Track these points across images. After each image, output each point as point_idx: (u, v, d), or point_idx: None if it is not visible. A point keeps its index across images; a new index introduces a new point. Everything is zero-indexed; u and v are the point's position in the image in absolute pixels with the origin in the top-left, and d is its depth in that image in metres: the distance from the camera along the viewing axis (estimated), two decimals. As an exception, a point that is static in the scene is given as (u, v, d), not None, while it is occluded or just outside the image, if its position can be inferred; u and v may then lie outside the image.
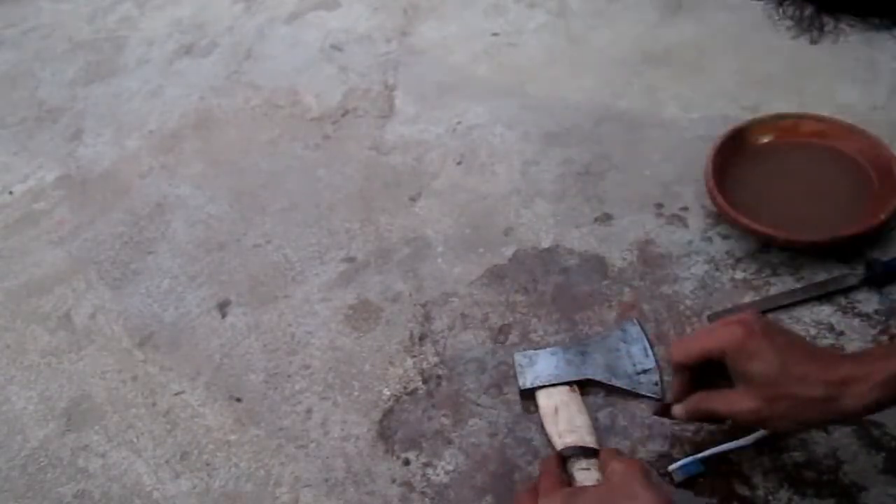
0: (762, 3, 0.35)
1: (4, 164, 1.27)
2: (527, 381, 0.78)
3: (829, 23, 0.34)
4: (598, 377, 0.77)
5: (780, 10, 0.36)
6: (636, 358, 0.78)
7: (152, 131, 1.27)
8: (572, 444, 0.70)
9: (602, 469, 0.65)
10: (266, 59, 1.39)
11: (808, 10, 0.35)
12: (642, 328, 0.81)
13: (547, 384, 0.77)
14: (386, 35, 1.38)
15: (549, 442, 0.74)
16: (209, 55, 1.43)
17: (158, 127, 1.28)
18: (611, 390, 0.77)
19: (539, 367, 0.79)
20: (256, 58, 1.39)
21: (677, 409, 0.67)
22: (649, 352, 0.79)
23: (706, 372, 0.65)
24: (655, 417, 0.72)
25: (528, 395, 0.78)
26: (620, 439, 0.74)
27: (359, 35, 1.39)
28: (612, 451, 0.67)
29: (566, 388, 0.77)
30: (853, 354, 0.62)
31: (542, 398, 0.77)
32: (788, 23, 0.36)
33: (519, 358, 0.80)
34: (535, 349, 0.82)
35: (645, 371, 0.77)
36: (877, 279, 0.81)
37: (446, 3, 1.42)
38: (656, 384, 0.76)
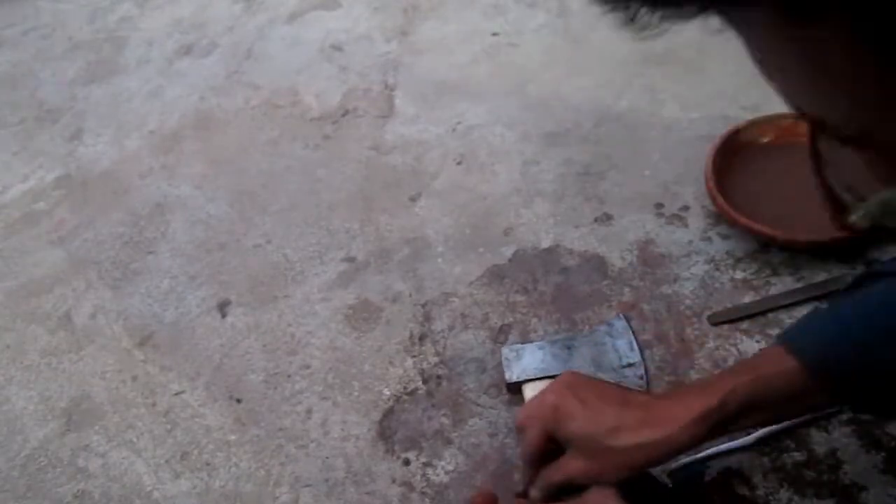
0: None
1: (4, 164, 1.27)
2: (513, 374, 0.79)
3: (652, 17, 0.34)
4: (583, 371, 0.78)
5: (615, 11, 0.36)
6: (622, 352, 0.79)
7: (152, 131, 1.27)
8: None
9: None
10: (266, 59, 1.39)
11: (635, 8, 0.35)
12: (628, 323, 0.81)
13: (533, 378, 0.78)
14: (386, 35, 1.38)
15: None
16: (209, 55, 1.43)
17: (158, 127, 1.28)
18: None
19: (526, 360, 0.80)
20: (256, 58, 1.39)
21: (532, 493, 0.65)
22: (634, 346, 0.79)
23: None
24: None
25: (515, 389, 0.79)
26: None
27: (359, 35, 1.39)
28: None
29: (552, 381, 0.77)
30: (666, 395, 0.63)
31: (528, 391, 0.78)
32: (617, 19, 0.36)
33: (506, 352, 0.81)
34: (523, 343, 0.82)
35: (630, 365, 0.78)
36: (877, 279, 0.81)
37: (446, 3, 1.42)
38: (641, 377, 0.77)
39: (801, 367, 0.55)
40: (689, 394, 0.59)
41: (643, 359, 0.78)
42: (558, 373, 0.77)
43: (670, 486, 0.70)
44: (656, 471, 0.71)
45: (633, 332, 0.80)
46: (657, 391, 0.77)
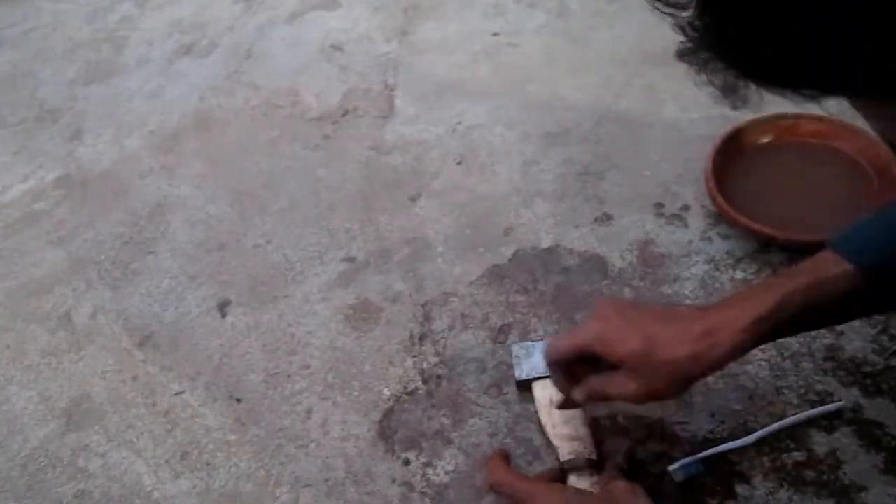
0: (685, 65, 0.35)
1: (4, 164, 1.27)
2: (523, 372, 0.79)
3: (752, 90, 0.34)
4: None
5: (703, 74, 0.35)
6: None
7: (152, 131, 1.27)
8: (575, 457, 0.70)
9: (602, 485, 0.65)
10: (266, 59, 1.39)
11: (731, 77, 0.34)
12: None
13: (543, 376, 0.77)
14: (386, 35, 1.38)
15: (543, 432, 0.74)
16: (209, 55, 1.43)
17: (158, 127, 1.28)
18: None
19: (535, 358, 0.79)
20: (256, 58, 1.39)
21: (576, 394, 0.67)
22: None
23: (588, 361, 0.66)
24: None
25: (524, 387, 0.79)
26: (620, 439, 0.74)
27: (359, 35, 1.39)
28: (615, 471, 0.67)
29: None
30: (714, 305, 0.62)
31: (538, 390, 0.77)
32: (710, 88, 0.35)
33: (516, 349, 0.81)
34: (533, 341, 0.82)
35: None
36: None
37: (446, 3, 1.42)
38: None
39: (856, 271, 0.56)
40: (741, 300, 0.59)
41: None
42: None
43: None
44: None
45: None
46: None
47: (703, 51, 0.34)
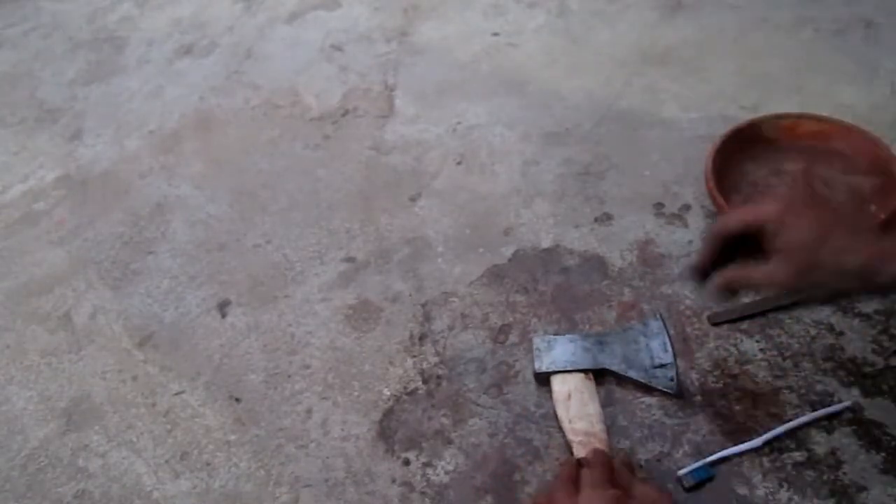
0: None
1: (4, 164, 1.27)
2: (542, 364, 0.79)
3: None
4: (613, 367, 0.77)
5: None
6: (655, 352, 0.78)
7: (152, 131, 1.27)
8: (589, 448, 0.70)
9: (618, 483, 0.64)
10: (266, 59, 1.39)
11: None
12: (664, 324, 0.81)
13: (562, 370, 0.78)
14: (386, 35, 1.38)
15: (559, 426, 0.75)
16: (209, 55, 1.43)
17: (158, 127, 1.28)
18: (624, 384, 0.78)
19: (556, 352, 0.79)
20: (256, 58, 1.40)
21: (717, 279, 0.65)
22: (668, 347, 0.78)
23: (735, 252, 0.65)
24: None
25: (543, 379, 0.79)
26: (620, 438, 0.74)
27: (359, 35, 1.39)
28: (624, 468, 0.66)
29: (581, 375, 0.77)
30: None
31: (556, 383, 0.77)
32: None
33: (538, 341, 0.81)
34: (555, 335, 0.82)
35: (662, 366, 0.77)
36: (877, 279, 0.81)
37: (446, 3, 1.42)
38: (672, 379, 0.76)
39: None
40: None
41: (675, 361, 0.77)
42: (587, 367, 0.78)
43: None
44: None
45: (668, 334, 0.80)
46: None
47: None
